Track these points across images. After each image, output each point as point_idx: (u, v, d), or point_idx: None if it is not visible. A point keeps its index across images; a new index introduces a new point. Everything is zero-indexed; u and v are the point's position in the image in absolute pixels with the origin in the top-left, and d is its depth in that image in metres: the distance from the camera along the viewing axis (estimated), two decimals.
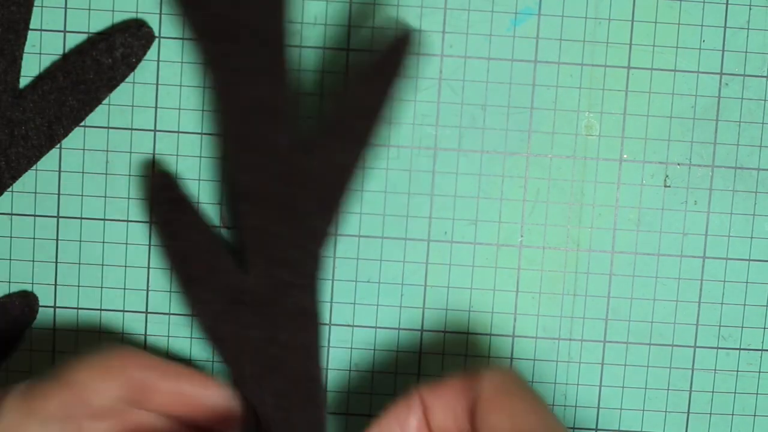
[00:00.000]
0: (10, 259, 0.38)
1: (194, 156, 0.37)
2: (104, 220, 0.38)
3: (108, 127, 0.37)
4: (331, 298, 0.38)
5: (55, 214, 0.38)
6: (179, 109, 0.37)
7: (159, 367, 0.30)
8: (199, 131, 0.37)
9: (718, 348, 0.38)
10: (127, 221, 0.38)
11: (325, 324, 0.35)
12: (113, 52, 0.36)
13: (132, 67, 0.37)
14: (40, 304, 0.38)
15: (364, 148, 0.31)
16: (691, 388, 0.39)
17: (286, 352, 0.30)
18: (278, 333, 0.29)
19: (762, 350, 0.38)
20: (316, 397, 0.31)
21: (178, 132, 0.37)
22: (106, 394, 0.29)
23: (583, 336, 0.38)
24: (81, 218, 0.38)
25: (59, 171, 0.37)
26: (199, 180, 0.37)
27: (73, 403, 0.28)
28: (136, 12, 0.37)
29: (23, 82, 0.37)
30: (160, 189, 0.33)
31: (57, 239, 0.38)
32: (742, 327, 0.38)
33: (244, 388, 0.30)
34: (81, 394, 0.28)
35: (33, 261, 0.38)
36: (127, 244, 0.38)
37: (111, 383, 0.29)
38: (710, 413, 0.38)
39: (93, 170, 0.37)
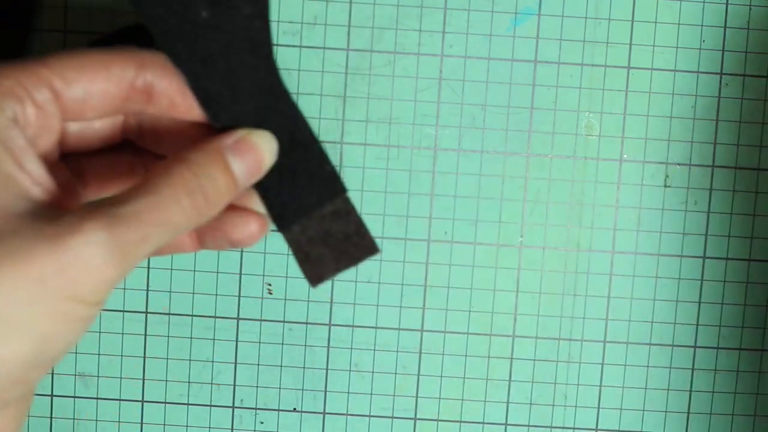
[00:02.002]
0: None
1: None
2: None
3: None
4: (331, 299, 0.38)
5: None
6: None
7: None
8: None
9: (718, 348, 0.38)
10: None
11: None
12: None
13: None
14: None
15: None
16: (691, 388, 0.39)
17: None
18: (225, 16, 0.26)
19: (762, 350, 0.38)
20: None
21: None
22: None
23: (583, 336, 0.38)
24: None
25: None
26: None
27: (32, 82, 0.24)
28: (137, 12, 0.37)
29: None
30: None
31: None
32: (742, 327, 0.38)
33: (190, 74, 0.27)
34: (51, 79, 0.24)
35: None
36: None
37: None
38: (710, 413, 0.38)
39: None
